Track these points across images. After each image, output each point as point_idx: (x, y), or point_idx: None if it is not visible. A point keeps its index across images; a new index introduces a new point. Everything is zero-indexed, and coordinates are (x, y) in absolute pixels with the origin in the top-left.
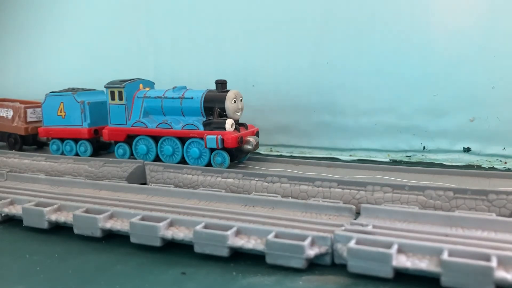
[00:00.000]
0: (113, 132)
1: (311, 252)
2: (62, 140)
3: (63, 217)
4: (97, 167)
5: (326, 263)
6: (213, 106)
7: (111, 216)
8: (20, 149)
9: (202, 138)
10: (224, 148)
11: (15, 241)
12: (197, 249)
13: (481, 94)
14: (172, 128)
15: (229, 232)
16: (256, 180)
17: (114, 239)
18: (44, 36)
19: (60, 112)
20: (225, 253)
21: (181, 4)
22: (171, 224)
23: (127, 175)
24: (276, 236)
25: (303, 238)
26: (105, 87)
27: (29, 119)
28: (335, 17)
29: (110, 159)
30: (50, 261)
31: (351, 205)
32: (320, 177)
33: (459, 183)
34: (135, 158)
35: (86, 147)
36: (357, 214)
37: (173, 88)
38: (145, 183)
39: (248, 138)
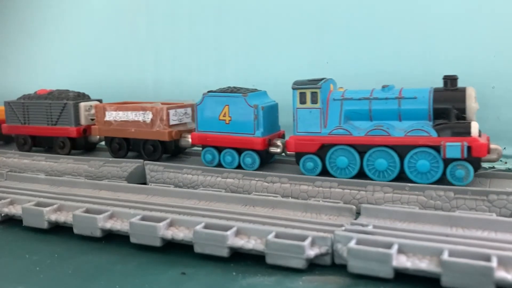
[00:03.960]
0: (303, 142)
1: (311, 252)
2: (218, 149)
3: (63, 217)
4: (97, 167)
5: (326, 263)
6: (448, 107)
7: (111, 216)
8: (159, 159)
9: (433, 147)
10: (468, 159)
11: (15, 241)
12: (197, 249)
13: (481, 94)
14: (389, 135)
15: (229, 232)
16: (256, 180)
17: (114, 239)
18: (43, 36)
19: (224, 116)
20: (225, 253)
21: (181, 4)
22: (171, 224)
23: (127, 175)
24: (276, 236)
25: (303, 238)
26: (294, 88)
27: (171, 122)
28: (335, 17)
29: (110, 159)
30: (50, 261)
31: (351, 205)
32: (320, 177)
33: None
34: (330, 174)
35: (253, 159)
36: (357, 214)
37: (382, 87)
38: (145, 183)
39: (493, 146)
